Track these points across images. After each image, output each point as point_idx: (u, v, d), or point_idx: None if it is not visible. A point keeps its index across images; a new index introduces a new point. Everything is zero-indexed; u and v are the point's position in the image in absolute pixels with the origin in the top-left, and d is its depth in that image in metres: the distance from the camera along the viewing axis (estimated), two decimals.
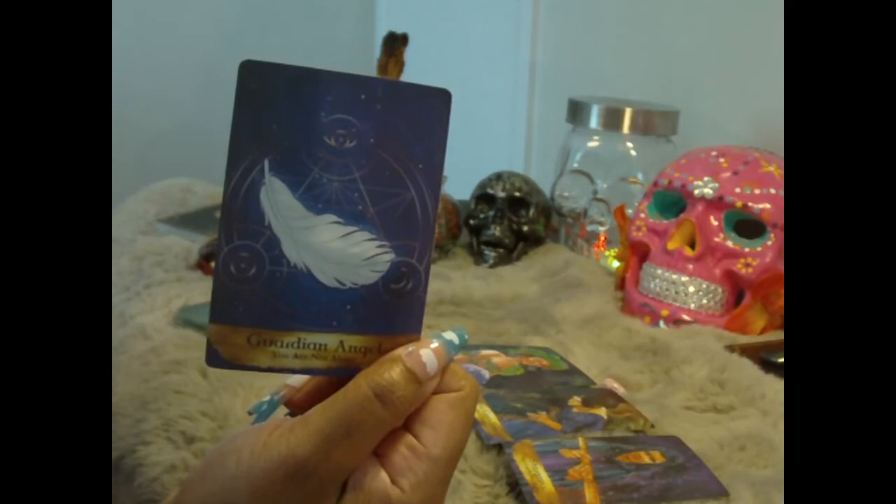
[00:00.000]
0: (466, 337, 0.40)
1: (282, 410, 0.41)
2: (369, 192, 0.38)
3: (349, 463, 0.36)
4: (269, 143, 0.37)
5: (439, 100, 0.39)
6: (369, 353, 0.39)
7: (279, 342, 0.38)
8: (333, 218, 0.38)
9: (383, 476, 0.37)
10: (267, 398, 0.42)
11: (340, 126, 0.38)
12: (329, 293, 0.38)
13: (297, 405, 0.41)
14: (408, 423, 0.38)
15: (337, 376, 0.39)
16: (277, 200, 0.38)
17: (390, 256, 0.39)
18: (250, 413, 0.42)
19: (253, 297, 0.38)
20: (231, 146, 0.37)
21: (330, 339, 0.39)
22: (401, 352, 0.38)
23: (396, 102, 0.38)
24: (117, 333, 0.91)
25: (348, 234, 0.38)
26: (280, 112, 0.37)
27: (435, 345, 0.38)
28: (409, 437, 0.38)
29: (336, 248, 0.38)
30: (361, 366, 0.38)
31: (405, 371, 0.37)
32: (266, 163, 0.37)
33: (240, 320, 0.38)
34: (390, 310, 0.39)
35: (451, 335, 0.39)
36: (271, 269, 0.38)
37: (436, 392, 0.38)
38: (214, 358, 0.38)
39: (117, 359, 0.86)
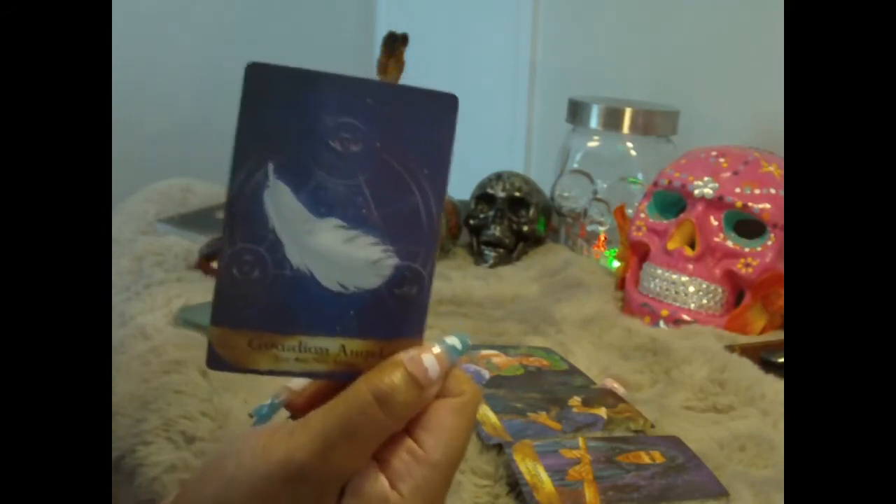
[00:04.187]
0: (469, 343, 0.39)
1: (283, 414, 0.41)
2: (374, 197, 0.38)
3: (349, 467, 0.36)
4: (274, 145, 0.37)
5: (446, 104, 0.38)
6: (371, 358, 0.39)
7: (281, 345, 0.38)
8: (337, 222, 0.38)
9: (382, 481, 0.37)
10: (268, 401, 0.41)
11: (345, 130, 0.37)
12: (332, 297, 0.38)
13: (299, 408, 0.41)
14: (408, 428, 0.38)
15: (338, 380, 0.39)
16: (281, 204, 0.37)
17: (394, 261, 0.39)
18: (251, 416, 0.42)
19: (255, 301, 0.38)
20: (235, 148, 0.37)
21: (332, 343, 0.38)
22: (402, 356, 0.38)
23: (402, 107, 0.38)
24: (117, 333, 0.91)
25: (352, 238, 0.38)
26: (285, 115, 0.37)
27: (437, 350, 0.38)
28: (410, 442, 0.38)
29: (339, 252, 0.38)
30: (363, 370, 0.38)
31: (406, 376, 0.37)
32: (270, 166, 0.37)
33: (242, 323, 0.38)
34: (393, 314, 0.39)
35: (453, 340, 0.39)
36: (275, 272, 0.38)
37: (437, 397, 0.38)
38: (215, 360, 0.38)
39: (117, 359, 0.86)
